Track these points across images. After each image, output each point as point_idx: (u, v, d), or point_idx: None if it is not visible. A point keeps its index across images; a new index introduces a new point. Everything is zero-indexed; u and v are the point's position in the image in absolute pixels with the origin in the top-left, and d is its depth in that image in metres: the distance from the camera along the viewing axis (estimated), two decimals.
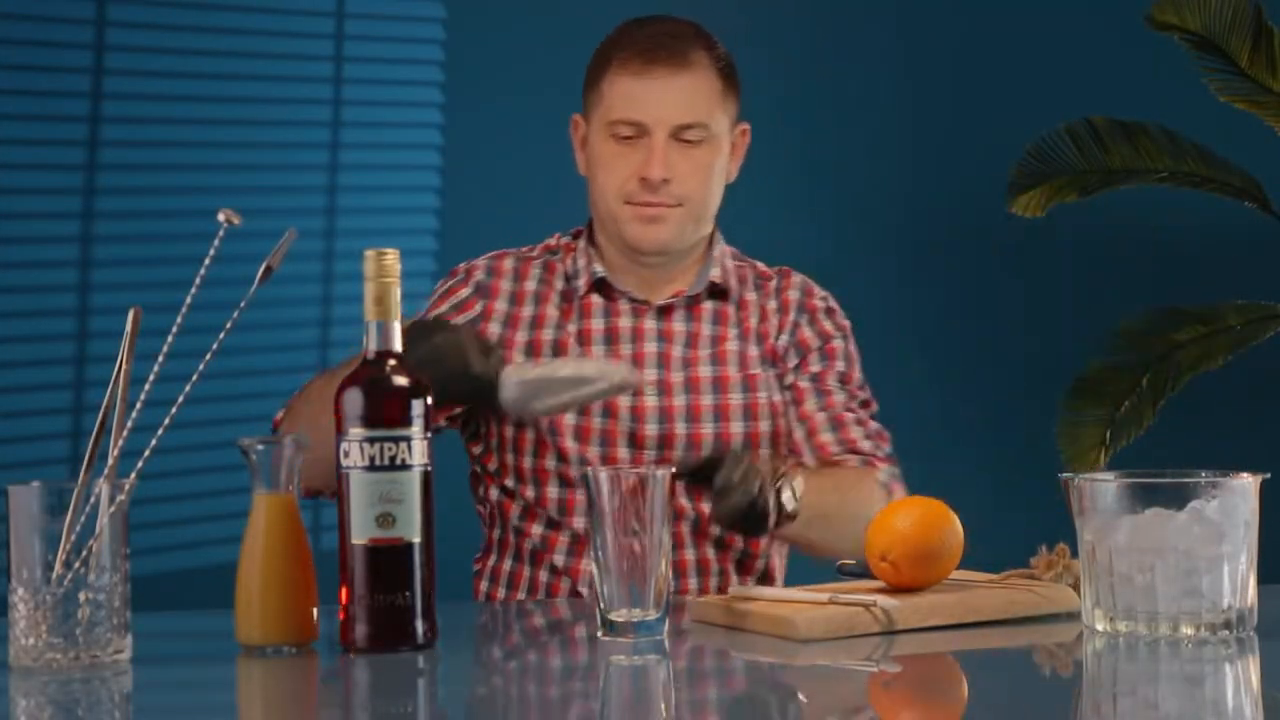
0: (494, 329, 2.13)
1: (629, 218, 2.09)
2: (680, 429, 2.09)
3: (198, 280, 1.54)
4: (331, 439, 1.54)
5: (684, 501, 2.08)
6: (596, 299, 2.15)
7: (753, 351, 2.15)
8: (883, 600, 1.62)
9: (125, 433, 1.53)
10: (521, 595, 2.12)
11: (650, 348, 2.13)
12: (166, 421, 1.52)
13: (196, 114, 3.57)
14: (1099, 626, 1.57)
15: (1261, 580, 1.56)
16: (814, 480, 1.93)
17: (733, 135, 2.14)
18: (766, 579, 2.17)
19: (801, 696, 1.45)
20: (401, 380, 1.55)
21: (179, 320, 1.54)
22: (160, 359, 1.53)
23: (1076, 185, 3.54)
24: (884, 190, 3.84)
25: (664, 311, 2.15)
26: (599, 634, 1.58)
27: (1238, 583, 1.53)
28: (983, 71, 3.86)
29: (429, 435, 1.55)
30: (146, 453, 1.53)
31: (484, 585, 2.16)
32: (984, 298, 3.87)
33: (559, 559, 2.10)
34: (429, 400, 1.55)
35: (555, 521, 2.10)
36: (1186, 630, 1.52)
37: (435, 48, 3.74)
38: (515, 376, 1.87)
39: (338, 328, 3.61)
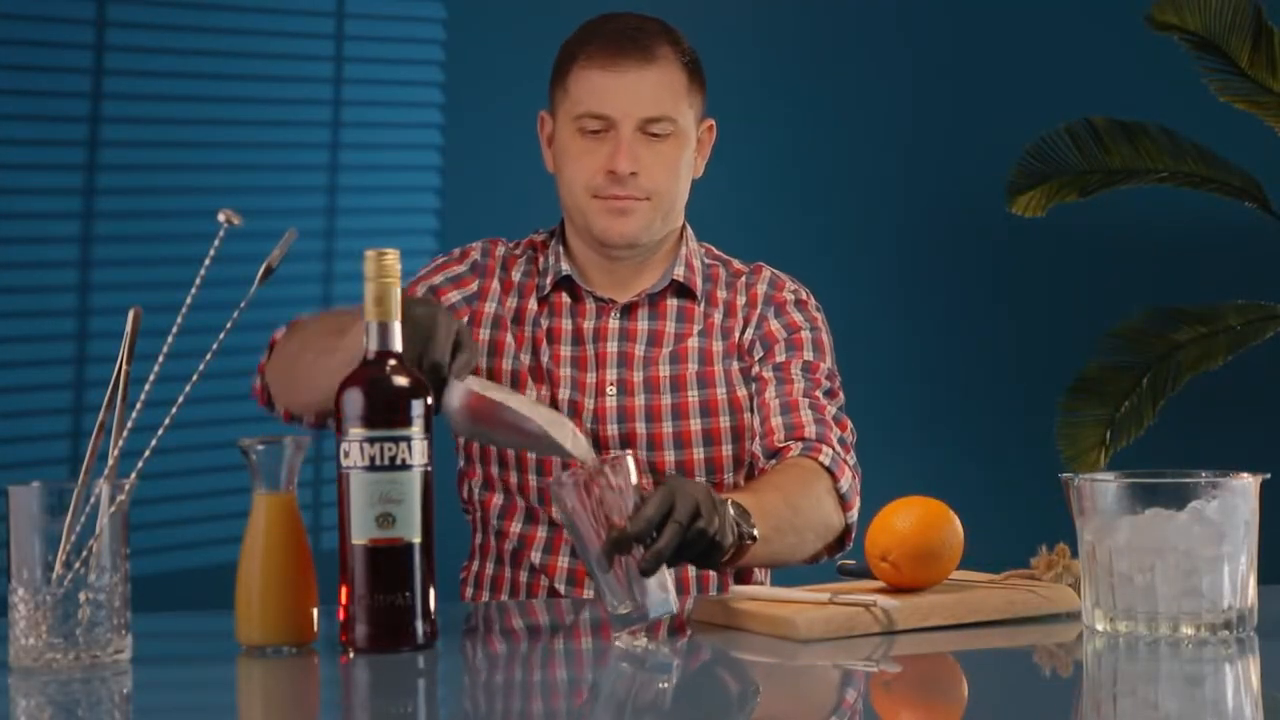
0: (489, 308, 2.13)
1: (597, 211, 2.09)
2: (641, 428, 2.09)
3: (198, 280, 1.54)
4: (319, 368, 1.52)
5: None
6: (564, 298, 2.15)
7: (715, 347, 2.14)
8: (883, 600, 1.62)
9: (125, 433, 1.53)
10: (504, 597, 2.12)
11: (612, 347, 2.13)
12: (166, 421, 1.52)
13: (196, 114, 3.57)
14: (1099, 626, 1.57)
15: (1261, 580, 1.56)
16: (750, 500, 1.82)
17: (699, 131, 2.14)
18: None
19: (802, 697, 1.45)
20: (402, 380, 1.55)
21: (179, 320, 1.54)
22: (160, 359, 1.54)
23: (1076, 185, 3.54)
24: (884, 190, 3.83)
25: (629, 310, 2.15)
26: (616, 641, 1.58)
27: (1238, 583, 1.53)
28: (982, 71, 3.86)
29: (429, 435, 1.55)
30: (146, 453, 1.53)
31: (469, 591, 2.17)
32: (984, 298, 3.86)
33: (536, 556, 2.10)
34: (429, 400, 1.55)
35: (534, 512, 2.10)
36: (1186, 630, 1.52)
37: (435, 48, 3.74)
38: (475, 386, 1.69)
39: None
